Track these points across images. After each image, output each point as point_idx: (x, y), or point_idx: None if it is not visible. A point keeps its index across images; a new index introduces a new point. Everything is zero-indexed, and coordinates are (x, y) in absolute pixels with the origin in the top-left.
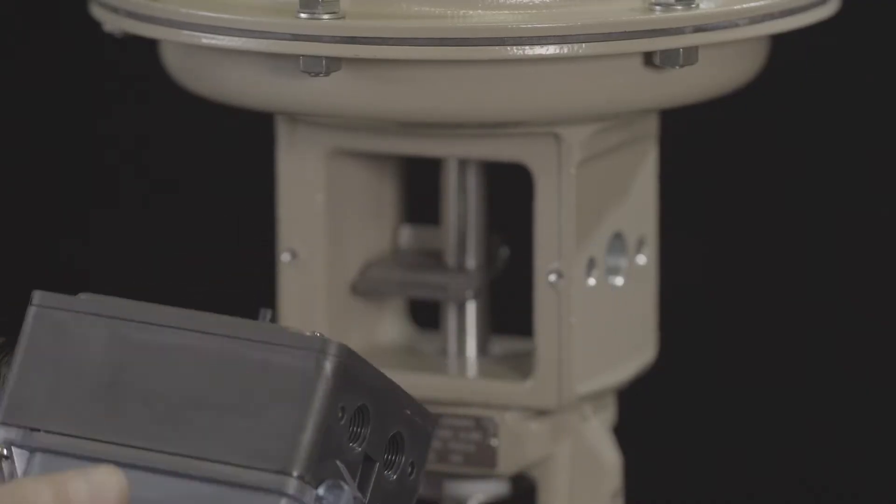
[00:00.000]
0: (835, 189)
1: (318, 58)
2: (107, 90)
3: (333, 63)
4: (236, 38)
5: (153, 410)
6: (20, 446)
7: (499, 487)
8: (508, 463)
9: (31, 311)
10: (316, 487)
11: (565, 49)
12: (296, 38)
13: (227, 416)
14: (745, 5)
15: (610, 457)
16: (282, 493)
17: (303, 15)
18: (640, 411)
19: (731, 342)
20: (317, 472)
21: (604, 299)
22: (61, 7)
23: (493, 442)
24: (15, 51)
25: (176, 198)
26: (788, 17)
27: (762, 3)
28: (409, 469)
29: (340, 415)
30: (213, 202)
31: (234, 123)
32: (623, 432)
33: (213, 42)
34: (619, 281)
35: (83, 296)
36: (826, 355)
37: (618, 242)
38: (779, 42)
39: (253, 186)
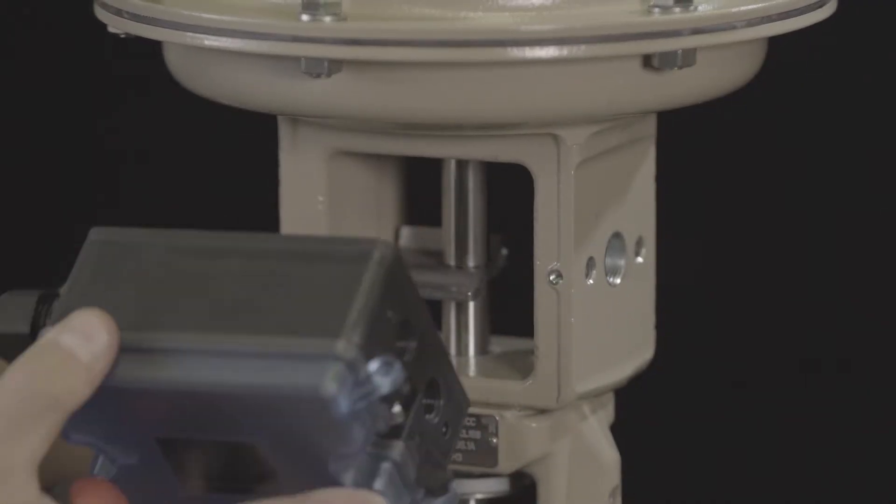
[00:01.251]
0: (834, 189)
1: (320, 59)
2: (107, 90)
3: (335, 65)
4: (239, 40)
5: (209, 305)
6: None
7: (499, 485)
8: (508, 461)
9: (87, 243)
10: (367, 363)
11: (564, 51)
12: (297, 39)
13: (282, 302)
14: (742, 7)
15: (608, 455)
16: (335, 358)
17: (305, 17)
18: (638, 410)
19: (730, 342)
20: (368, 347)
21: (603, 299)
22: (61, 7)
23: (494, 440)
24: (15, 51)
25: (177, 198)
26: (786, 20)
27: (760, 5)
28: (444, 428)
29: (389, 314)
30: (213, 202)
31: (235, 124)
32: (621, 431)
33: (216, 44)
34: (617, 281)
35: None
36: (826, 355)
37: (617, 242)
38: (777, 43)
39: (254, 187)
